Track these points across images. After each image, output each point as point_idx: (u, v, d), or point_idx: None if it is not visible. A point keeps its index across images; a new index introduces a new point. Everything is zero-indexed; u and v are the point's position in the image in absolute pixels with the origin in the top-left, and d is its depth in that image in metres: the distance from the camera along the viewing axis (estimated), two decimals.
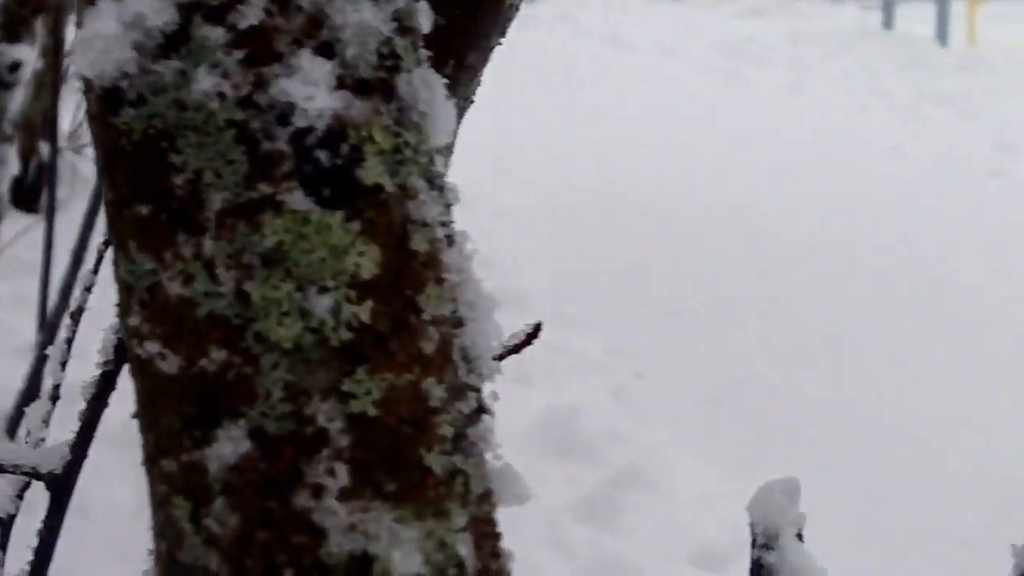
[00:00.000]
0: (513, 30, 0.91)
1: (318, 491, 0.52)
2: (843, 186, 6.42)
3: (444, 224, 0.56)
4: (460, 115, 0.99)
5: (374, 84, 0.54)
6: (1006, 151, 7.24)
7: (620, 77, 7.64)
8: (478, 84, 0.96)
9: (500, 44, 0.96)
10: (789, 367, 4.79)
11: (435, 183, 0.56)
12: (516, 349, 0.65)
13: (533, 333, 0.64)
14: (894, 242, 5.80)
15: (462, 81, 0.94)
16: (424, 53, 0.57)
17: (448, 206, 0.56)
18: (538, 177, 6.45)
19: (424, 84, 0.55)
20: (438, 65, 0.93)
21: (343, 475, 0.52)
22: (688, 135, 6.89)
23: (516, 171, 6.41)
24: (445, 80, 0.59)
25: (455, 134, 0.57)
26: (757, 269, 5.43)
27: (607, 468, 4.13)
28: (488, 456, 0.56)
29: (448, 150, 0.70)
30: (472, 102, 0.96)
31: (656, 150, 6.73)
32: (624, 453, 4.18)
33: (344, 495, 0.52)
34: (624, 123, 6.98)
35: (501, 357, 0.62)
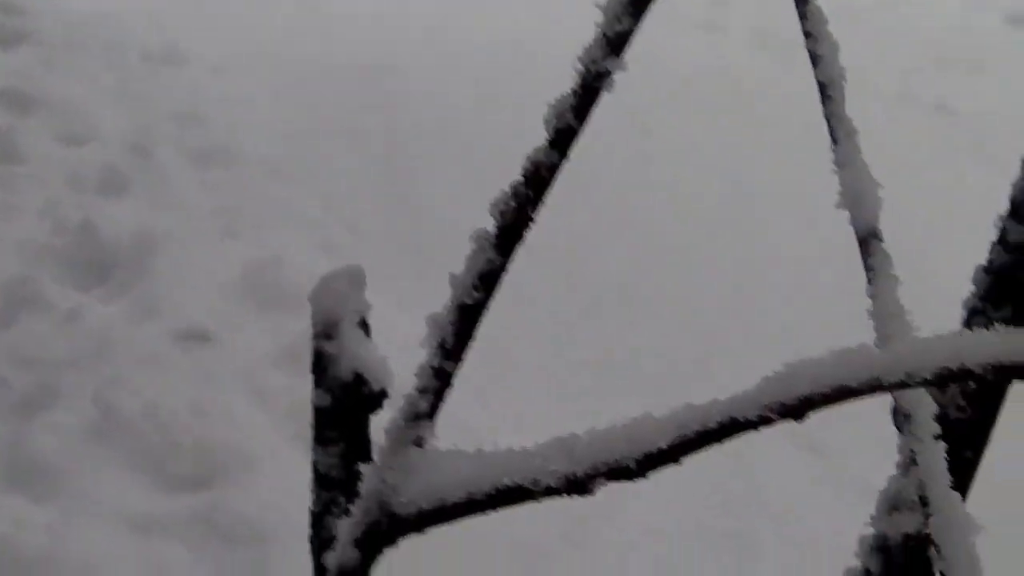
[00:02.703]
0: None
1: None
2: (555, 49, 6.42)
3: None
4: None
5: None
6: (719, 4, 7.39)
7: None
8: None
9: None
10: None
11: None
12: None
13: None
14: (608, 98, 5.84)
15: None
16: None
17: None
18: (255, 33, 6.27)
19: None
20: None
21: None
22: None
23: (229, 26, 6.21)
24: None
25: None
26: (471, 122, 5.42)
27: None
28: None
29: None
30: None
31: (375, 14, 6.63)
32: None
33: None
34: None
35: None
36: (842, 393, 0.65)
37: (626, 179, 5.26)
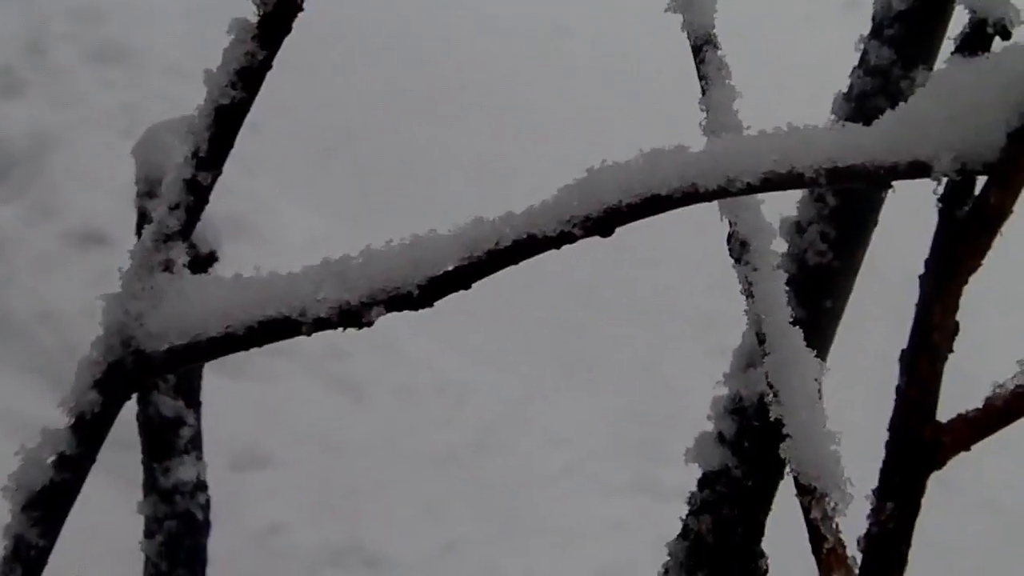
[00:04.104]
0: None
1: None
2: None
3: None
4: None
5: None
6: None
7: None
8: None
9: None
10: (407, 115, 4.70)
11: None
12: None
13: None
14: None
15: None
16: None
17: None
18: None
19: None
20: None
21: None
22: None
23: None
24: None
25: None
26: (377, 20, 5.26)
27: (210, 220, 3.97)
28: None
29: None
30: None
31: None
32: (228, 204, 4.02)
33: None
34: None
35: None
36: (654, 203, 0.55)
37: None
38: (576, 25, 5.49)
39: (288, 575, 3.09)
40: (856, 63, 0.81)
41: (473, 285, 0.59)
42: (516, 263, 0.57)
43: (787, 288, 0.80)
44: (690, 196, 0.55)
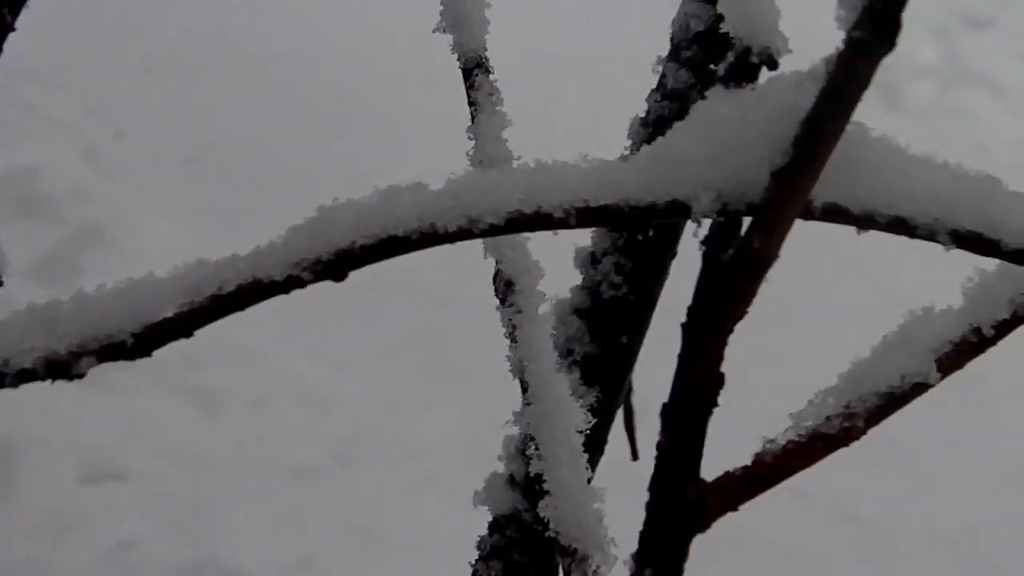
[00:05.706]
0: None
1: None
2: None
3: None
4: None
5: None
6: None
7: None
8: None
9: None
10: (277, 123, 4.61)
11: None
12: None
13: None
14: None
15: None
16: None
17: None
18: None
19: None
20: None
21: None
22: None
23: None
24: None
25: None
26: (247, 26, 5.16)
27: (68, 227, 3.86)
28: None
29: None
30: None
31: None
32: (88, 212, 3.92)
33: None
34: None
35: None
36: (389, 244, 0.50)
37: None
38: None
39: None
40: (654, 86, 0.77)
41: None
42: (242, 309, 0.52)
43: (581, 322, 0.76)
44: (429, 237, 0.51)
